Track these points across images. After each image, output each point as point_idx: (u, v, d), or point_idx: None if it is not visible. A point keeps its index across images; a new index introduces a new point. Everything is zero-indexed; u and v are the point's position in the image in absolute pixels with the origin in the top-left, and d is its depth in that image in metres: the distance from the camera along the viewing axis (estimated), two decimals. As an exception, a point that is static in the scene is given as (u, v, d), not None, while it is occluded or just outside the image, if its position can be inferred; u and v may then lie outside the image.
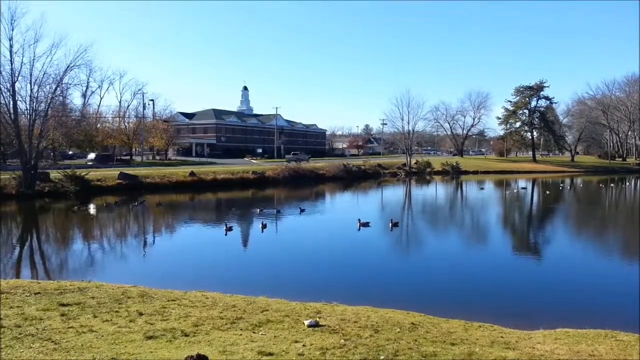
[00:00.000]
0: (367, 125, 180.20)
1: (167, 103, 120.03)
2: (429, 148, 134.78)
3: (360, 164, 68.08)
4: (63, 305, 8.44)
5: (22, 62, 36.21)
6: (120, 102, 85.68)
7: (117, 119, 78.95)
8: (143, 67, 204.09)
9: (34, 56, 36.84)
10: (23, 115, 37.80)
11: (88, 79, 76.83)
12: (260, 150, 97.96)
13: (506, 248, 19.12)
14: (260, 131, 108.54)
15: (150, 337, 6.84)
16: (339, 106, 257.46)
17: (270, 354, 6.21)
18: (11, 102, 35.81)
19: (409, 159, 72.69)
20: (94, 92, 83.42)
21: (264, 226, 21.54)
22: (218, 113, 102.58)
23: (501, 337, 7.79)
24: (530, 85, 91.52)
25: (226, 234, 19.86)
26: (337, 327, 7.68)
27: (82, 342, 6.55)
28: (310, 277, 13.86)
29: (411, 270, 14.91)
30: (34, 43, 36.60)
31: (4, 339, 6.52)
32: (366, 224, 21.94)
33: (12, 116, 35.67)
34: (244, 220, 25.18)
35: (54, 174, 37.85)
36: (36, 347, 6.28)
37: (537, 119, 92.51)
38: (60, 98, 47.39)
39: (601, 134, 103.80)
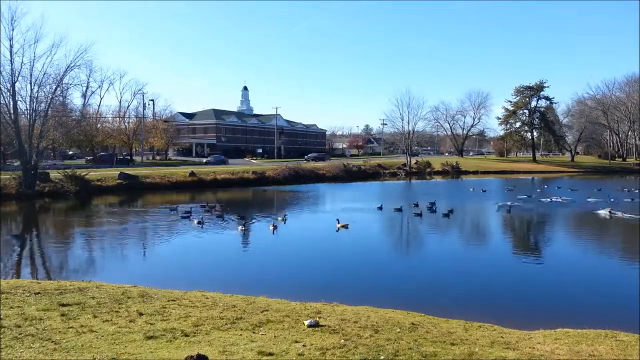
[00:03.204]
0: (367, 125, 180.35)
1: (167, 103, 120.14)
2: (428, 148, 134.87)
3: (360, 164, 68.16)
4: (63, 305, 8.44)
5: (22, 62, 36.33)
6: (120, 102, 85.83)
7: (117, 119, 79.03)
8: (143, 67, 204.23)
9: (34, 56, 36.97)
10: (23, 115, 37.84)
11: (88, 79, 76.84)
12: (260, 151, 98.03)
13: (506, 248, 19.12)
14: (260, 131, 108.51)
15: (150, 337, 6.84)
16: (339, 106, 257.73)
17: (270, 354, 6.22)
18: (11, 102, 35.85)
19: (409, 159, 72.72)
20: (94, 92, 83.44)
21: (274, 227, 21.42)
22: (218, 113, 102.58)
23: (501, 337, 7.79)
24: (530, 85, 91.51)
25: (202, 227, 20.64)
26: (337, 327, 7.68)
27: (82, 342, 6.55)
28: (310, 277, 13.86)
29: (411, 270, 14.91)
30: (34, 43, 36.70)
31: (4, 339, 6.52)
32: (345, 226, 21.47)
33: (12, 116, 35.70)
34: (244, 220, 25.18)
35: (54, 174, 37.87)
36: (36, 347, 6.28)
37: (537, 119, 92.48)
38: (60, 98, 47.49)
39: (601, 134, 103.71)
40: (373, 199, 34.22)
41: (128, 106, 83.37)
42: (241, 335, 7.16)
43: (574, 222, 26.36)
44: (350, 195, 41.19)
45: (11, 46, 35.52)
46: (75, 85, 59.10)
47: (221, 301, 9.48)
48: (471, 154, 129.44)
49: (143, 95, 78.47)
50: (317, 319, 8.10)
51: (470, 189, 44.09)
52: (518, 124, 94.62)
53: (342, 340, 6.92)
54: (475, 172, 73.59)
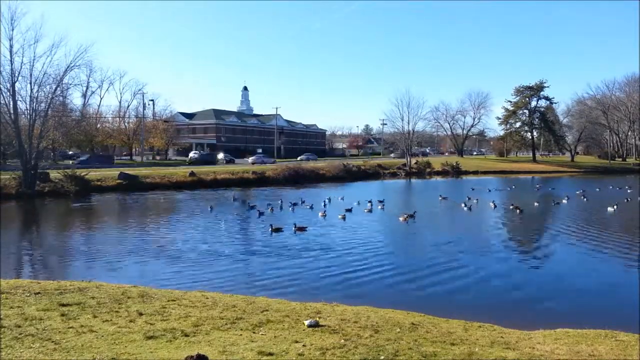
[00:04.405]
0: (367, 125, 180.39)
1: (167, 103, 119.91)
2: (428, 148, 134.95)
3: (360, 164, 68.22)
4: (63, 305, 8.44)
5: (22, 62, 36.39)
6: (120, 102, 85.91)
7: (117, 119, 79.09)
8: (143, 67, 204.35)
9: (34, 56, 37.03)
10: (23, 115, 37.86)
11: (88, 79, 76.93)
12: (260, 151, 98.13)
13: (506, 248, 19.10)
14: (260, 131, 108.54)
15: (150, 337, 6.84)
16: (339, 106, 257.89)
17: (270, 354, 6.21)
18: (11, 102, 35.88)
19: (408, 159, 72.75)
20: (94, 92, 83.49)
21: (299, 229, 21.25)
22: (218, 113, 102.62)
23: (501, 337, 7.79)
24: (530, 85, 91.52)
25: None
26: (337, 327, 7.68)
27: (82, 342, 6.55)
28: (310, 277, 13.85)
29: (411, 271, 14.88)
30: (34, 43, 36.78)
31: (4, 339, 6.52)
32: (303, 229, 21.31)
33: (12, 116, 35.71)
34: (245, 219, 25.20)
35: (54, 174, 37.88)
36: (36, 347, 6.28)
37: (537, 119, 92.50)
38: (60, 98, 47.56)
39: (601, 134, 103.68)
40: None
41: (128, 106, 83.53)
42: (241, 335, 7.16)
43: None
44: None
45: (11, 46, 35.62)
46: (75, 85, 59.25)
47: (221, 301, 9.48)
48: (474, 153, 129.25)
49: (143, 95, 78.58)
50: (317, 319, 8.10)
51: (472, 189, 44.28)
52: (518, 124, 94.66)
53: (342, 340, 6.92)
54: (475, 172, 73.61)
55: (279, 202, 31.35)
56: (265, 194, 39.49)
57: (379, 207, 29.59)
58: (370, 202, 30.56)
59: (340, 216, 25.17)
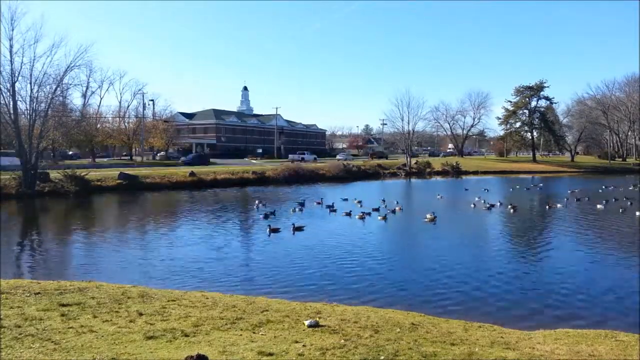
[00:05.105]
0: (367, 125, 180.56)
1: (167, 103, 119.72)
2: (428, 148, 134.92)
3: (360, 164, 68.27)
4: (63, 305, 8.45)
5: (22, 62, 36.28)
6: (120, 102, 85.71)
7: (117, 119, 78.99)
8: (143, 67, 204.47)
9: (34, 56, 36.93)
10: (23, 116, 37.83)
11: (88, 79, 76.70)
12: (260, 151, 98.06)
13: (506, 248, 19.11)
14: (260, 131, 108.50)
15: (150, 337, 6.85)
16: (339, 106, 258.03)
17: (270, 354, 6.22)
18: (11, 102, 35.83)
19: (409, 159, 72.76)
20: (94, 92, 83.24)
21: (297, 229, 21.12)
22: (218, 113, 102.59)
23: (501, 337, 7.79)
24: (530, 85, 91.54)
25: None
26: (337, 328, 7.68)
27: (82, 342, 6.56)
28: (310, 277, 13.85)
29: (411, 271, 14.89)
30: (34, 43, 36.69)
31: (4, 339, 6.52)
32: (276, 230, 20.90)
33: (12, 116, 35.69)
34: (245, 220, 25.20)
35: (54, 174, 37.87)
36: (36, 347, 6.29)
37: (537, 119, 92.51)
38: (60, 98, 47.43)
39: (601, 134, 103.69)
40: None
41: (128, 106, 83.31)
42: (241, 335, 7.16)
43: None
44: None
45: (11, 46, 35.52)
46: (75, 85, 58.96)
47: (221, 301, 9.49)
48: (482, 151, 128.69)
49: (143, 95, 78.42)
50: (317, 319, 8.10)
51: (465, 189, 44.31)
52: (518, 124, 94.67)
53: (342, 341, 6.93)
54: (475, 172, 73.65)
55: (291, 205, 30.57)
56: (268, 194, 39.47)
57: (397, 208, 28.87)
58: (385, 202, 30.43)
59: (380, 217, 24.93)
